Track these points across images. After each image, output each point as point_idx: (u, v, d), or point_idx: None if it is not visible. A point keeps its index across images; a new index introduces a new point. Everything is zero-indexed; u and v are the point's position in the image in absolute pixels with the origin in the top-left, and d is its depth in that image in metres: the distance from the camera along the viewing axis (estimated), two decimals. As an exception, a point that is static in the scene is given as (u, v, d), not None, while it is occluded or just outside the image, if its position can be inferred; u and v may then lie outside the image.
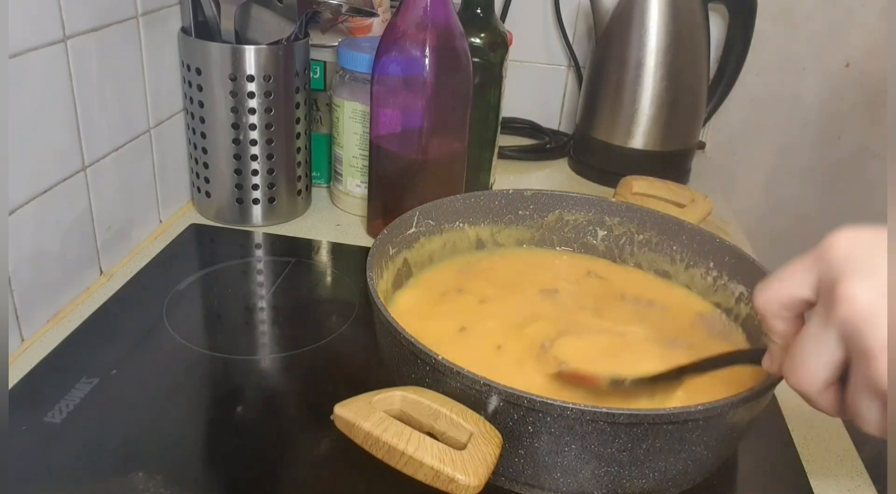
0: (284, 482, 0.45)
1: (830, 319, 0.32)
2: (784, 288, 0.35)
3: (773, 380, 0.42)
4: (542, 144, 0.98)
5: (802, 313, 0.36)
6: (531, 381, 0.47)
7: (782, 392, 0.55)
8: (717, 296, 0.57)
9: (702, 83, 0.88)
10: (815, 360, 0.33)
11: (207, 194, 0.73)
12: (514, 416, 0.40)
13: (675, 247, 0.60)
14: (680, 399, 0.46)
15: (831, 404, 0.34)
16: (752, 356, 0.42)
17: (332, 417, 0.40)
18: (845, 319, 0.31)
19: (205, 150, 0.71)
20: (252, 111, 0.68)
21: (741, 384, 0.49)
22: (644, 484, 0.42)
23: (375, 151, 0.68)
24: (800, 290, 0.34)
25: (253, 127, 0.69)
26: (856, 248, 0.32)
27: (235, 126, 0.69)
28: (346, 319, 0.61)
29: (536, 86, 1.03)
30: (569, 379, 0.48)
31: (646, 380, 0.46)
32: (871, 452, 0.52)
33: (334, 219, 0.78)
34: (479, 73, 0.68)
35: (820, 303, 0.33)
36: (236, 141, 0.70)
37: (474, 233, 0.62)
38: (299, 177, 0.75)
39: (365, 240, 0.73)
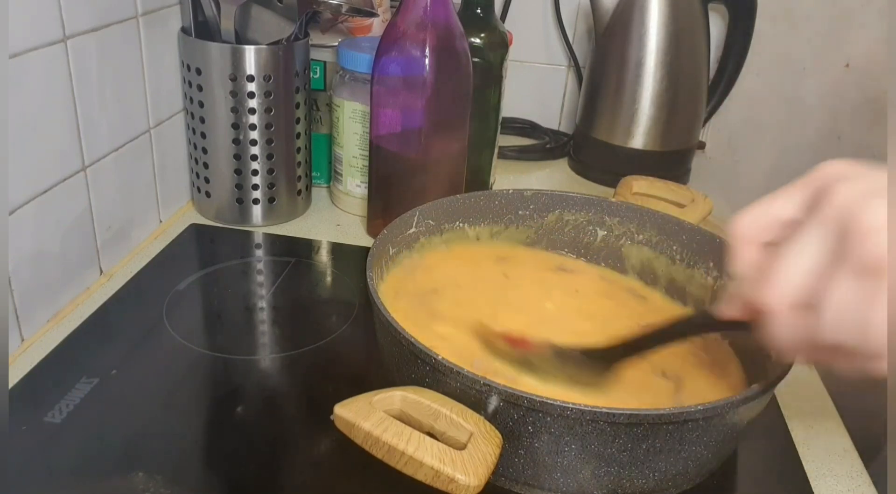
0: (284, 481, 0.45)
1: (816, 220, 0.32)
2: (769, 209, 0.35)
3: (773, 380, 0.41)
4: (542, 144, 0.98)
5: (774, 243, 0.34)
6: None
7: (782, 392, 0.56)
8: (717, 297, 0.57)
9: (702, 83, 0.88)
10: (798, 259, 0.32)
11: (207, 194, 0.73)
12: (514, 416, 0.40)
13: (675, 247, 0.60)
14: (675, 399, 0.47)
15: (794, 324, 0.32)
16: (701, 323, 0.40)
17: (332, 417, 0.40)
18: (833, 213, 0.31)
19: (205, 150, 0.71)
20: (252, 111, 0.68)
21: (741, 384, 0.49)
22: (644, 484, 0.42)
23: (375, 151, 0.68)
24: (784, 209, 0.34)
25: (253, 127, 0.69)
26: (844, 168, 0.33)
27: (235, 126, 0.69)
28: (346, 319, 0.61)
29: (536, 86, 1.03)
30: (513, 342, 0.47)
31: (591, 353, 0.44)
32: (870, 452, 0.53)
33: (334, 219, 0.78)
34: (479, 73, 0.68)
35: (809, 214, 0.33)
36: (236, 141, 0.70)
37: (474, 233, 0.62)
38: (299, 177, 0.75)
39: (365, 240, 0.73)
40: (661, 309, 0.58)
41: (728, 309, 0.37)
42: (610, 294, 0.60)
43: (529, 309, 0.56)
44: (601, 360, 0.45)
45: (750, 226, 0.35)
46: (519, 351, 0.47)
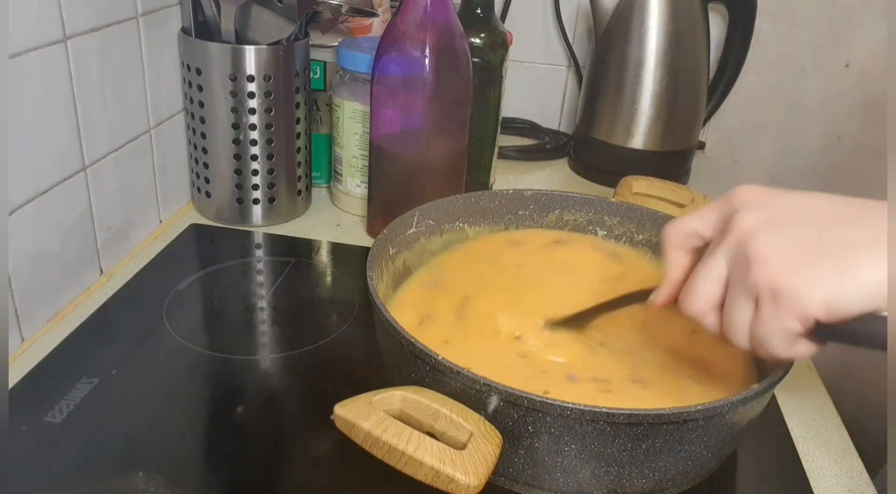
0: (284, 482, 0.45)
1: (722, 243, 0.38)
2: (688, 223, 0.42)
3: (773, 380, 0.42)
4: (542, 144, 0.98)
5: (697, 249, 0.41)
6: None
7: (782, 392, 0.56)
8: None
9: (702, 83, 0.88)
10: (707, 278, 0.39)
11: (207, 194, 0.73)
12: (514, 416, 0.40)
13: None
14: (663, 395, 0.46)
15: (714, 322, 0.39)
16: (641, 296, 0.46)
17: (332, 417, 0.40)
18: (734, 239, 0.37)
19: (205, 150, 0.71)
20: (252, 111, 0.68)
21: (741, 384, 0.49)
22: (644, 484, 0.42)
23: (375, 151, 0.68)
24: (701, 226, 0.41)
25: (253, 127, 0.69)
26: (753, 195, 0.39)
27: (235, 126, 0.69)
28: (346, 319, 0.61)
29: (536, 86, 1.03)
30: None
31: (558, 323, 0.50)
32: (871, 453, 0.53)
33: (334, 219, 0.78)
34: (479, 73, 0.68)
35: (716, 235, 0.39)
36: (236, 141, 0.70)
37: (474, 233, 0.62)
38: (299, 177, 0.75)
39: (365, 240, 0.73)
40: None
41: (660, 299, 0.44)
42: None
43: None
44: (570, 325, 0.51)
45: (675, 234, 0.42)
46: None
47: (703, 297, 0.39)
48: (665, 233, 0.43)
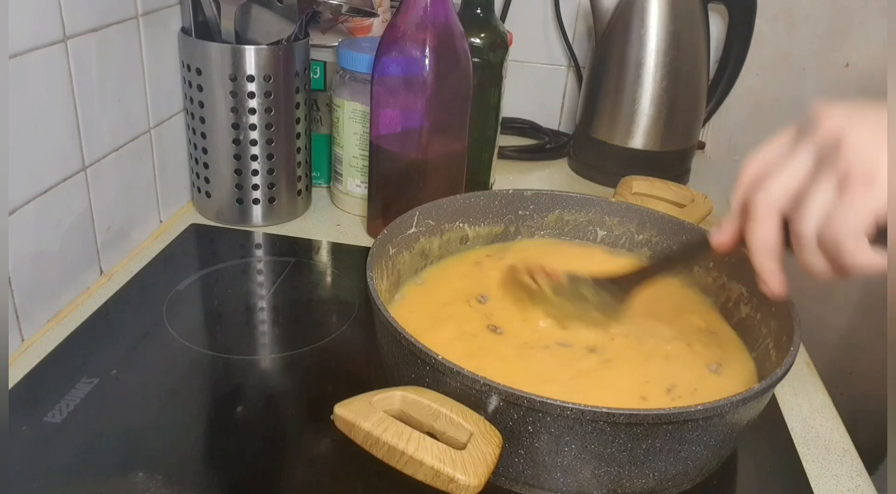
0: (284, 482, 0.45)
1: (806, 140, 0.36)
2: (769, 148, 0.39)
3: (773, 380, 0.41)
4: (542, 144, 0.98)
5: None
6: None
7: (782, 392, 0.56)
8: (717, 296, 0.57)
9: (702, 83, 0.88)
10: (788, 167, 0.37)
11: (207, 194, 0.73)
12: (514, 416, 0.40)
13: (674, 248, 0.60)
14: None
15: (773, 226, 0.38)
16: (696, 249, 0.44)
17: (332, 417, 0.40)
18: (822, 134, 0.36)
19: (205, 150, 0.71)
20: (252, 111, 0.68)
21: (740, 384, 0.49)
22: (644, 484, 0.42)
23: (375, 151, 0.68)
24: (781, 147, 0.39)
25: (253, 127, 0.69)
26: (829, 107, 0.37)
27: (235, 126, 0.69)
28: (346, 319, 0.61)
29: (536, 86, 1.03)
30: (526, 273, 0.50)
31: (603, 281, 0.48)
32: (871, 452, 0.53)
33: (334, 219, 0.78)
34: (479, 73, 0.68)
35: (799, 138, 0.37)
36: (236, 141, 0.70)
37: (474, 233, 0.62)
38: (299, 177, 0.75)
39: (365, 240, 0.73)
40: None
41: (721, 234, 0.42)
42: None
43: None
44: (615, 288, 0.49)
45: (755, 163, 0.39)
46: (543, 281, 0.50)
47: (779, 190, 0.37)
48: (743, 167, 0.40)
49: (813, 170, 0.36)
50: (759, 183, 0.38)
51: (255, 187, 0.72)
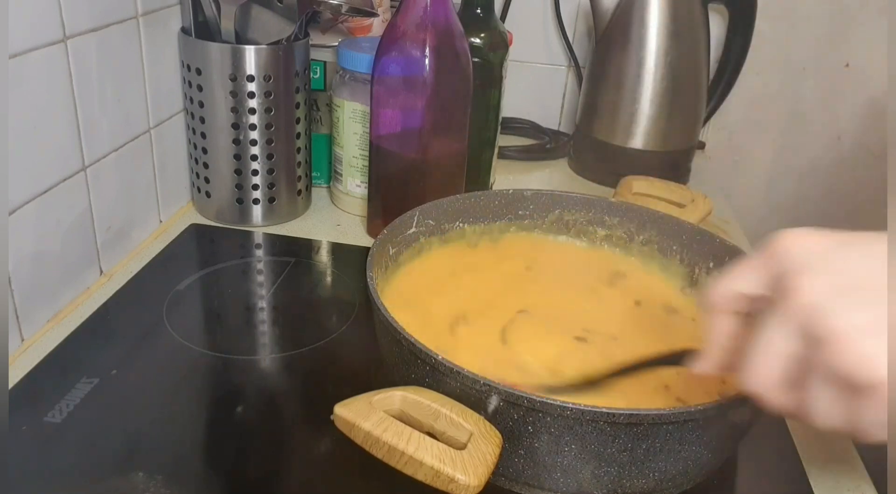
0: (284, 482, 0.45)
1: (787, 311, 0.32)
2: (732, 286, 0.36)
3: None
4: (542, 144, 0.98)
5: (746, 314, 0.36)
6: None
7: (782, 392, 0.55)
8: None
9: (702, 83, 0.88)
10: (767, 355, 0.33)
11: (207, 194, 0.73)
12: (514, 416, 0.40)
13: (674, 247, 0.60)
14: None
15: (784, 401, 0.34)
16: (677, 359, 0.42)
17: (332, 417, 0.40)
18: (797, 312, 0.31)
19: (205, 150, 0.71)
20: (252, 111, 0.68)
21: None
22: (644, 484, 0.42)
23: (375, 151, 0.68)
24: (745, 287, 0.35)
25: (253, 127, 0.69)
26: (805, 247, 0.33)
27: (235, 126, 0.69)
28: (346, 319, 0.61)
29: (536, 86, 1.03)
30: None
31: (577, 384, 0.45)
32: (871, 452, 0.52)
33: (334, 219, 0.78)
34: (479, 73, 0.68)
35: (775, 299, 0.33)
36: (236, 141, 0.70)
37: (474, 233, 0.62)
38: (299, 177, 0.75)
39: (365, 240, 0.73)
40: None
41: (704, 368, 0.39)
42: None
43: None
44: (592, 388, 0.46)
45: (720, 299, 0.37)
46: None
47: (765, 376, 0.33)
48: (712, 298, 0.37)
49: (796, 355, 0.32)
50: (736, 356, 0.35)
51: (255, 187, 0.72)
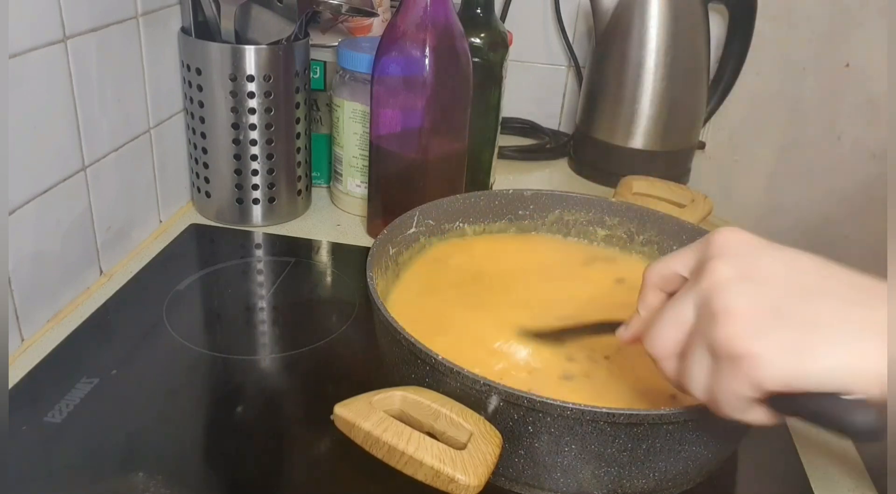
0: (284, 482, 0.45)
1: (693, 289, 0.37)
2: (668, 264, 0.40)
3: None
4: (542, 144, 0.98)
5: (673, 293, 0.40)
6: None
7: (782, 392, 0.55)
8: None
9: (702, 83, 0.88)
10: (671, 322, 0.37)
11: (207, 194, 0.73)
12: (514, 416, 0.40)
13: (674, 247, 0.60)
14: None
15: (672, 369, 0.38)
16: (611, 326, 0.45)
17: (332, 417, 0.40)
18: (704, 287, 0.36)
19: (205, 150, 0.71)
20: (252, 111, 0.68)
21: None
22: (644, 484, 0.42)
23: (375, 151, 0.68)
24: (679, 267, 0.39)
25: (253, 127, 0.69)
26: (733, 241, 0.37)
27: (235, 126, 0.69)
28: (346, 319, 0.61)
29: (536, 86, 1.03)
30: None
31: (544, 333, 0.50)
32: (871, 452, 0.53)
33: (334, 219, 0.78)
34: (479, 73, 0.68)
35: (690, 278, 0.38)
36: (236, 141, 0.70)
37: (474, 233, 0.62)
38: (299, 177, 0.75)
39: (365, 240, 0.73)
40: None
41: (626, 336, 0.43)
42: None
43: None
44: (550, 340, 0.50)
45: (654, 274, 0.41)
46: None
47: (665, 341, 0.38)
48: (646, 274, 0.41)
49: (693, 327, 0.36)
50: (651, 322, 0.39)
51: (255, 187, 0.72)
